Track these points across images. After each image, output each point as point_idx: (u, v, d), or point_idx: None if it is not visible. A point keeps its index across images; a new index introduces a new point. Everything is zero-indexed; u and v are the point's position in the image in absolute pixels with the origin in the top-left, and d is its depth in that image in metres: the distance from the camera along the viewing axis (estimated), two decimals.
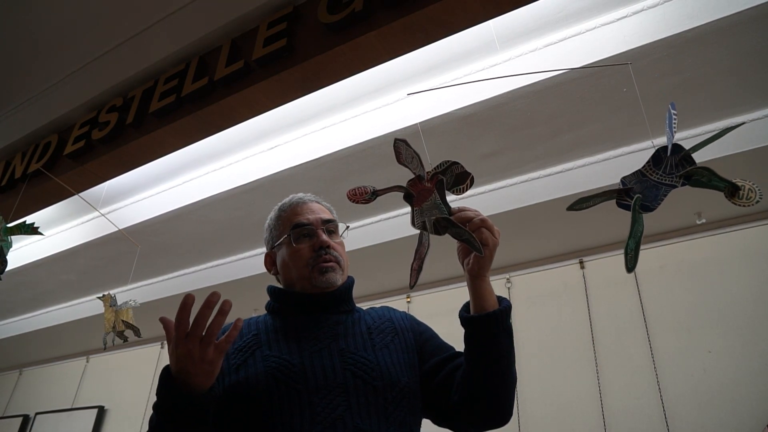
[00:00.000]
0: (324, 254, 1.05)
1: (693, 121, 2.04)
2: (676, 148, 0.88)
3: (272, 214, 1.15)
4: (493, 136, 2.15)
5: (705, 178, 0.85)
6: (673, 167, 0.88)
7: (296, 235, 1.07)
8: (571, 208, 0.94)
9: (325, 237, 1.07)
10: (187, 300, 0.80)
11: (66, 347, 4.56)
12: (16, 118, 2.15)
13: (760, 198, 0.82)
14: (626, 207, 0.91)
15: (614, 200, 0.92)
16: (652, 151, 0.91)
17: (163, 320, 0.83)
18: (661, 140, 0.91)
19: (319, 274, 1.04)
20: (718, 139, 0.87)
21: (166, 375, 0.82)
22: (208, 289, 3.55)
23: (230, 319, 0.85)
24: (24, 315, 4.16)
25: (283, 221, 1.11)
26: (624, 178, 0.92)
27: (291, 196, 1.15)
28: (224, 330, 0.92)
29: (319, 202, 1.15)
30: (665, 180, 0.88)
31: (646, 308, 2.58)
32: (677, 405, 2.34)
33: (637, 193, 0.89)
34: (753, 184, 0.82)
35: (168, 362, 0.84)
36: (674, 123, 0.89)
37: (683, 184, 0.87)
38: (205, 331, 0.80)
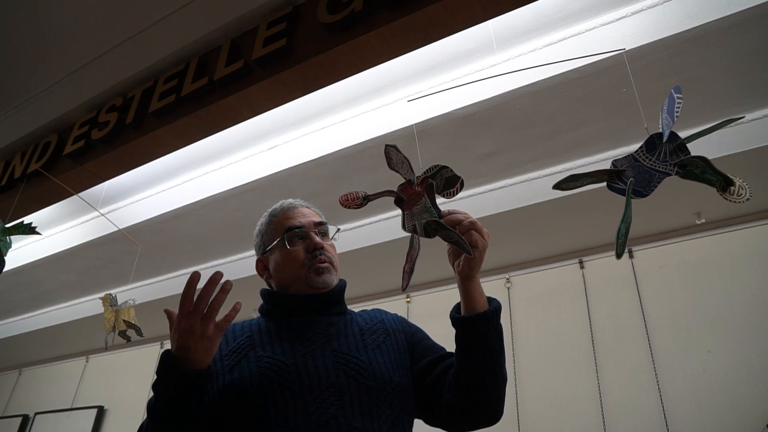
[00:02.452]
0: (319, 255, 1.07)
1: (692, 120, 2.04)
2: (673, 136, 0.86)
3: (263, 220, 1.17)
4: (493, 136, 2.15)
5: (699, 169, 0.83)
6: (667, 155, 0.86)
7: (290, 238, 1.09)
8: (558, 186, 0.93)
9: (318, 239, 1.09)
10: (194, 276, 0.85)
11: (66, 347, 4.56)
12: (16, 118, 2.15)
13: (751, 195, 0.81)
14: (617, 190, 0.90)
15: (605, 184, 0.91)
16: None
17: (166, 311, 0.88)
18: None
19: (316, 274, 1.06)
20: (717, 130, 0.86)
21: (166, 354, 0.86)
22: None
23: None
24: (24, 315, 4.16)
25: (275, 225, 1.13)
26: (616, 161, 0.90)
27: (281, 201, 1.18)
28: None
29: (309, 207, 1.18)
30: (658, 167, 0.86)
31: (645, 308, 2.58)
32: (677, 404, 2.34)
33: (630, 177, 0.88)
34: (743, 181, 0.82)
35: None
36: (677, 108, 0.87)
37: (677, 173, 0.85)
38: (207, 307, 0.84)
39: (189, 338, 0.83)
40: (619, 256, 0.86)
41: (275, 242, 1.10)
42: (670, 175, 0.86)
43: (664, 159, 0.86)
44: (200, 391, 0.84)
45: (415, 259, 0.99)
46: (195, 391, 0.84)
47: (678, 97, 0.88)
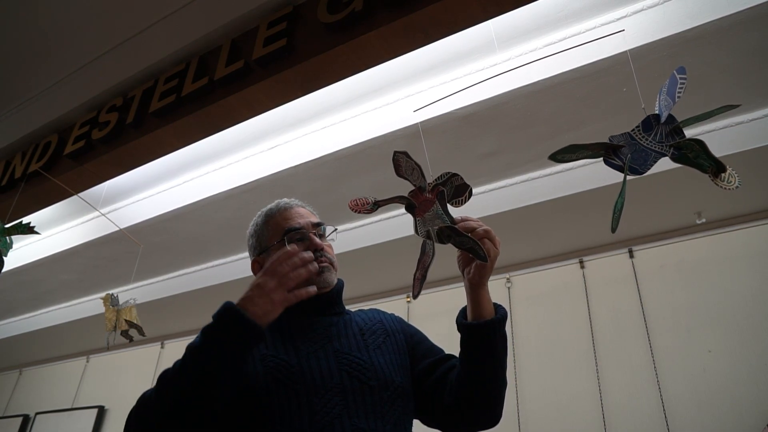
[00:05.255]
0: (319, 257, 1.06)
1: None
2: (670, 118, 0.87)
3: (258, 220, 1.16)
4: (493, 135, 2.15)
5: (693, 153, 0.84)
6: (663, 136, 0.87)
7: (290, 239, 1.08)
8: (553, 157, 0.93)
9: (318, 240, 1.08)
10: (308, 258, 0.90)
11: (66, 347, 4.56)
12: (16, 118, 2.15)
13: (740, 183, 0.83)
14: (613, 166, 0.91)
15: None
16: None
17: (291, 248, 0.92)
18: None
19: (317, 274, 1.04)
20: (715, 116, 0.87)
21: (228, 303, 0.86)
22: (209, 289, 3.52)
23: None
24: (24, 315, 4.16)
25: (272, 226, 1.12)
26: (612, 136, 0.91)
27: (276, 201, 1.16)
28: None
29: (304, 207, 1.17)
30: (654, 147, 0.88)
31: (645, 308, 2.58)
32: (677, 404, 2.34)
33: (628, 154, 0.89)
34: (732, 169, 0.83)
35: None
36: (680, 89, 0.87)
37: (672, 155, 0.86)
38: (295, 283, 0.87)
39: (264, 286, 0.86)
40: (613, 230, 0.89)
41: (274, 244, 1.10)
42: (666, 155, 0.86)
43: (660, 140, 0.87)
44: (250, 342, 0.85)
45: (428, 266, 0.98)
46: (248, 345, 0.85)
47: (681, 78, 0.88)
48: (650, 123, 0.88)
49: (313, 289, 0.90)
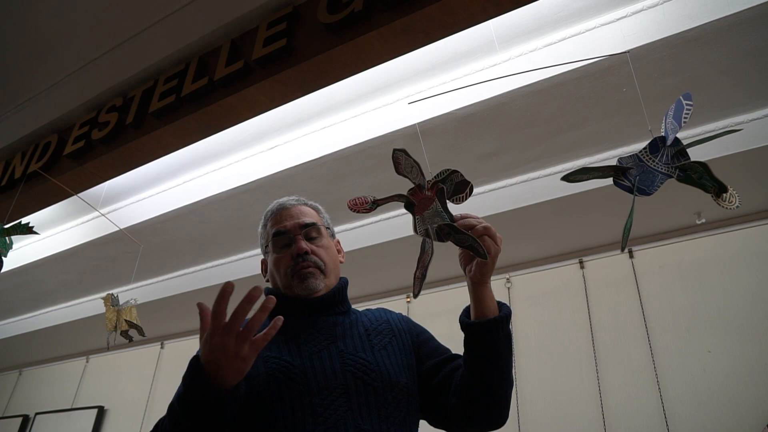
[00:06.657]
0: (301, 261, 1.05)
1: (692, 120, 2.04)
2: (675, 140, 0.89)
3: (261, 222, 1.16)
4: (493, 136, 2.15)
5: (696, 174, 0.87)
6: (669, 158, 0.90)
7: (276, 244, 1.08)
8: (566, 178, 0.95)
9: (302, 244, 1.06)
10: (226, 289, 0.77)
11: (66, 347, 4.56)
12: (16, 118, 2.15)
13: (740, 204, 0.87)
14: (622, 187, 0.93)
15: (610, 180, 0.95)
16: None
17: (200, 306, 0.80)
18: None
19: (299, 281, 1.04)
20: (716, 138, 0.91)
21: (195, 364, 0.80)
22: (208, 289, 3.52)
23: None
24: (24, 315, 4.16)
25: (267, 230, 1.13)
26: (621, 159, 0.94)
27: (275, 201, 1.15)
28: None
29: (305, 204, 1.15)
30: (661, 168, 0.90)
31: (645, 308, 2.58)
32: (677, 404, 2.34)
33: (636, 176, 0.92)
34: (734, 190, 0.87)
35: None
36: (686, 114, 0.90)
37: (678, 176, 0.89)
38: (243, 326, 0.78)
39: (220, 356, 0.77)
40: (623, 249, 0.92)
41: (267, 246, 1.11)
42: (672, 177, 0.90)
43: (666, 161, 0.90)
44: (224, 411, 0.80)
45: (427, 265, 0.97)
46: (219, 411, 0.79)
47: (687, 104, 0.91)
48: (657, 145, 0.91)
49: (279, 321, 0.80)
